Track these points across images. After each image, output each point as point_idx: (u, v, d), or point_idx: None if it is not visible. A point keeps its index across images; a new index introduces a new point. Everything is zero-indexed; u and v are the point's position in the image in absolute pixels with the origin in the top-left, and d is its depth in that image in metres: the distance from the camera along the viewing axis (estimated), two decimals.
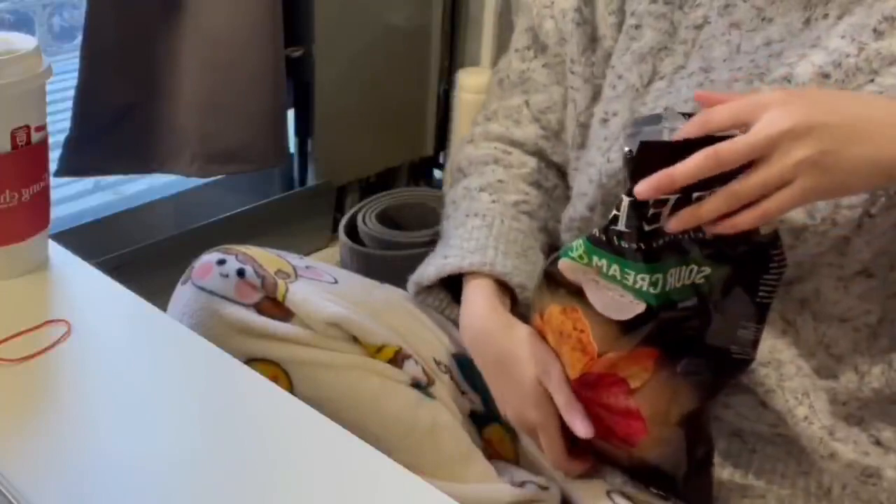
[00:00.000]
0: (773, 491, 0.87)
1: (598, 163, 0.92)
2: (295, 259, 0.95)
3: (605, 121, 0.94)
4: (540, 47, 1.03)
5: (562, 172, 1.02)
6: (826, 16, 0.83)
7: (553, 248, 1.00)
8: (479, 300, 0.92)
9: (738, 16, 0.87)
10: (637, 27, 0.94)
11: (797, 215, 0.79)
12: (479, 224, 0.97)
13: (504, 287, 0.92)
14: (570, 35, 0.99)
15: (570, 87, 1.00)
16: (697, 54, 0.89)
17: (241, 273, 0.88)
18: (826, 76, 0.80)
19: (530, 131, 1.03)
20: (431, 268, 0.97)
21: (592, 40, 0.99)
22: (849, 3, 0.82)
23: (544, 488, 0.91)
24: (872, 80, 0.79)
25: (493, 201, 0.99)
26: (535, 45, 1.04)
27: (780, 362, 0.83)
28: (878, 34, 0.79)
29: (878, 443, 0.84)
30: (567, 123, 1.00)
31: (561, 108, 1.02)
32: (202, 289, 0.88)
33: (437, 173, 1.84)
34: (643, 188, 0.71)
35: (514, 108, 1.04)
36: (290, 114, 1.55)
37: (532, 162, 1.03)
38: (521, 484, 0.90)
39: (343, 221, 1.57)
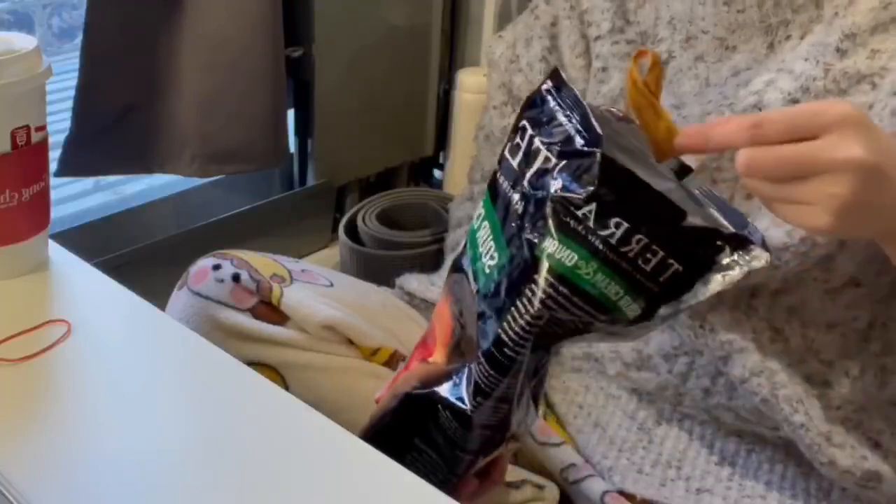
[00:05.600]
0: (774, 492, 0.88)
1: None
2: (290, 263, 0.95)
3: None
4: (515, 101, 1.04)
5: None
6: (789, 37, 0.82)
7: None
8: None
9: (701, 48, 0.87)
10: (604, 69, 0.94)
11: (776, 234, 0.79)
12: None
13: None
14: None
15: None
16: (668, 90, 0.90)
17: (236, 278, 0.88)
18: (795, 102, 0.79)
19: None
20: (415, 283, 0.99)
21: None
22: (809, 23, 0.81)
23: (541, 488, 0.91)
24: None
25: None
26: (510, 100, 1.05)
27: (772, 371, 0.83)
28: (841, 53, 0.78)
29: (876, 446, 0.84)
30: None
31: None
32: (198, 294, 0.88)
33: (437, 173, 1.84)
34: (681, 146, 0.67)
35: None
36: (290, 114, 1.55)
37: None
38: (519, 484, 0.91)
39: (343, 221, 1.57)
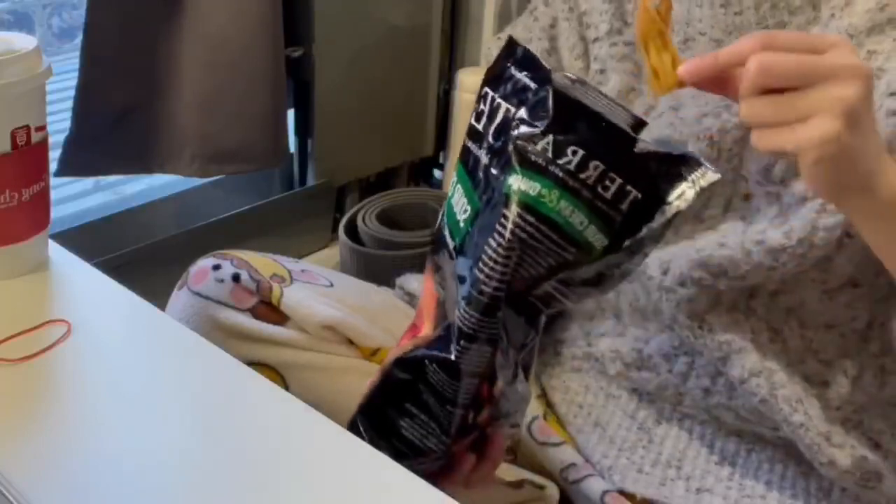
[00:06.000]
0: (774, 492, 0.88)
1: None
2: (290, 263, 0.95)
3: None
4: None
5: None
6: None
7: None
8: None
9: (698, 50, 0.87)
10: (602, 72, 0.94)
11: (774, 236, 0.79)
12: None
13: None
14: None
15: None
16: None
17: (236, 278, 0.89)
18: None
19: None
20: (415, 283, 1.01)
21: None
22: (806, 24, 0.81)
23: (542, 487, 0.91)
24: None
25: None
26: None
27: (770, 371, 0.83)
28: None
29: (877, 446, 0.84)
30: None
31: None
32: (198, 294, 0.88)
33: (437, 173, 1.84)
34: (687, 69, 0.68)
35: None
36: (290, 114, 1.55)
37: None
38: (519, 484, 0.91)
39: (343, 221, 1.57)
